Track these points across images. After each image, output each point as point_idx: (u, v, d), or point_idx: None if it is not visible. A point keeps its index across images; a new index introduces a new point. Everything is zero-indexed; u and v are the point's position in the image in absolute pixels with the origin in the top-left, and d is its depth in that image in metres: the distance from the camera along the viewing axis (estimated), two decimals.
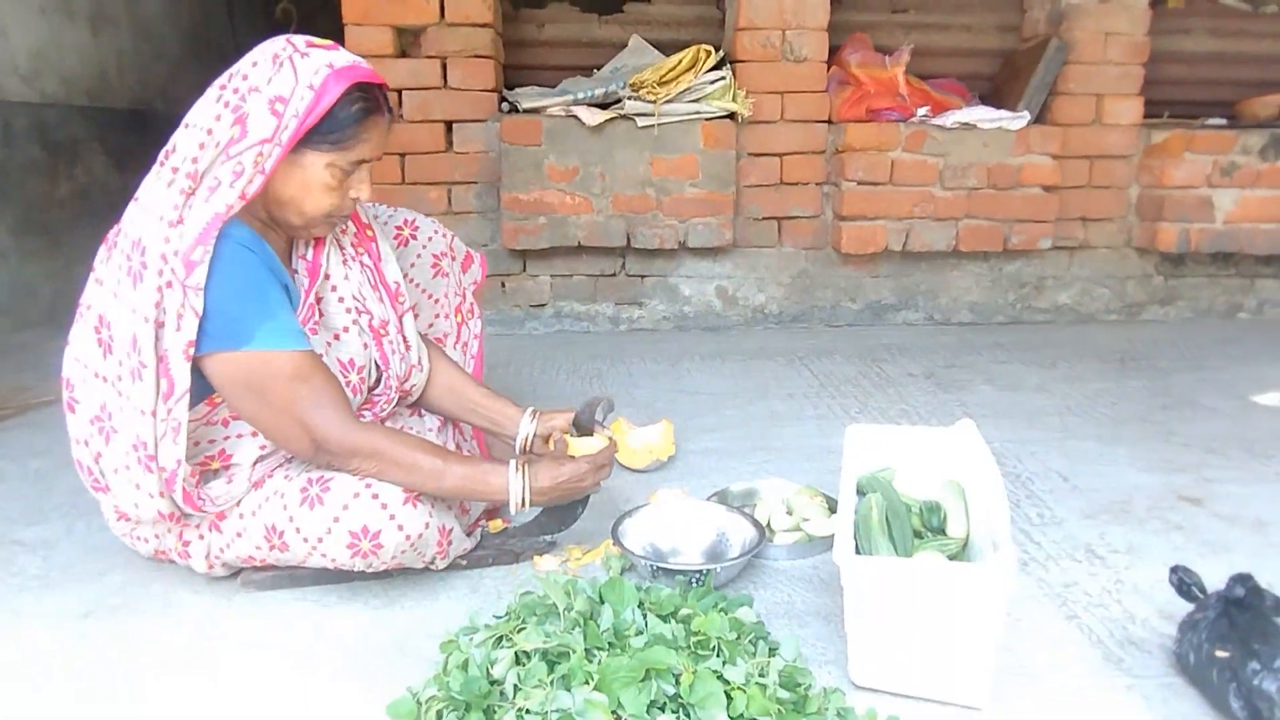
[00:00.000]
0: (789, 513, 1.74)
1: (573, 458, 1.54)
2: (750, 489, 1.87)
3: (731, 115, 3.32)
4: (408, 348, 1.62)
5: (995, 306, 3.71)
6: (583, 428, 1.71)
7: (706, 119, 3.28)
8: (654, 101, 3.21)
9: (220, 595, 1.50)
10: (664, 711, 1.08)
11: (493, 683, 1.12)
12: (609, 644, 1.19)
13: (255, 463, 1.44)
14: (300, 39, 1.35)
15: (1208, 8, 3.94)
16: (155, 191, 1.32)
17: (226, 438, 1.43)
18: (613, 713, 1.06)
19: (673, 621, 1.24)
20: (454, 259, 1.86)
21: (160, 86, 4.54)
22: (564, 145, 3.25)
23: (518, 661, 1.15)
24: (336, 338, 1.51)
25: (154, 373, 1.29)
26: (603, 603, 1.28)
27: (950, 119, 3.39)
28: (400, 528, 1.36)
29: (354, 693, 1.23)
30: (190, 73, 4.68)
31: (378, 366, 1.58)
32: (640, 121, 3.24)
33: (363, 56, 1.39)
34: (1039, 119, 3.51)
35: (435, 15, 3.21)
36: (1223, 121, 3.66)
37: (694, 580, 1.44)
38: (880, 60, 3.49)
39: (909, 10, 3.80)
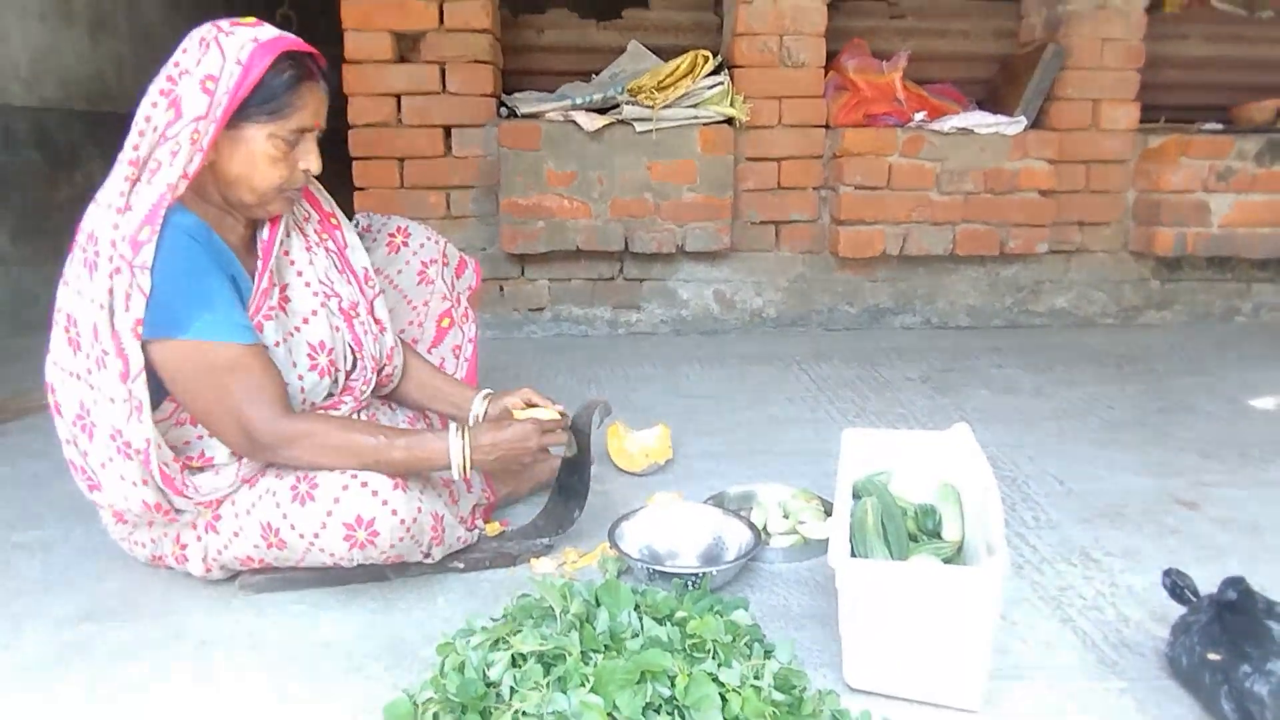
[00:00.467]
0: (785, 516, 1.75)
1: (515, 420, 1.53)
2: (747, 492, 1.88)
3: (729, 120, 3.33)
4: (381, 329, 1.62)
5: (992, 310, 3.72)
6: (580, 432, 1.71)
7: (704, 124, 3.29)
8: (652, 106, 3.22)
9: (218, 598, 1.50)
10: (659, 714, 1.08)
11: (489, 685, 1.13)
12: (605, 646, 1.19)
13: (238, 457, 1.43)
14: (225, 21, 1.37)
15: (1204, 13, 3.95)
16: (106, 187, 1.35)
17: (200, 436, 1.44)
18: (608, 715, 1.06)
19: (669, 624, 1.25)
20: (446, 265, 1.87)
21: None
22: (562, 150, 3.26)
23: (514, 664, 1.15)
24: (305, 322, 1.51)
25: (114, 357, 1.30)
26: (599, 605, 1.28)
27: (947, 124, 3.40)
28: (394, 512, 1.36)
29: (351, 695, 1.23)
30: None
31: (352, 350, 1.57)
32: (638, 126, 3.25)
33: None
34: (1036, 124, 3.52)
35: (434, 21, 3.22)
36: (1219, 126, 3.67)
37: (690, 583, 1.44)
38: (878, 66, 3.50)
39: (906, 16, 3.81)
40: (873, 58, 3.53)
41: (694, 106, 3.28)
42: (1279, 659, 1.11)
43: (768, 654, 1.23)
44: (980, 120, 3.42)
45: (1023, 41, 3.75)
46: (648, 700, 1.08)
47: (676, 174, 3.31)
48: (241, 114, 1.34)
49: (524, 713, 1.07)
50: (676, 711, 1.09)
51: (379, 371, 1.64)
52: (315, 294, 1.53)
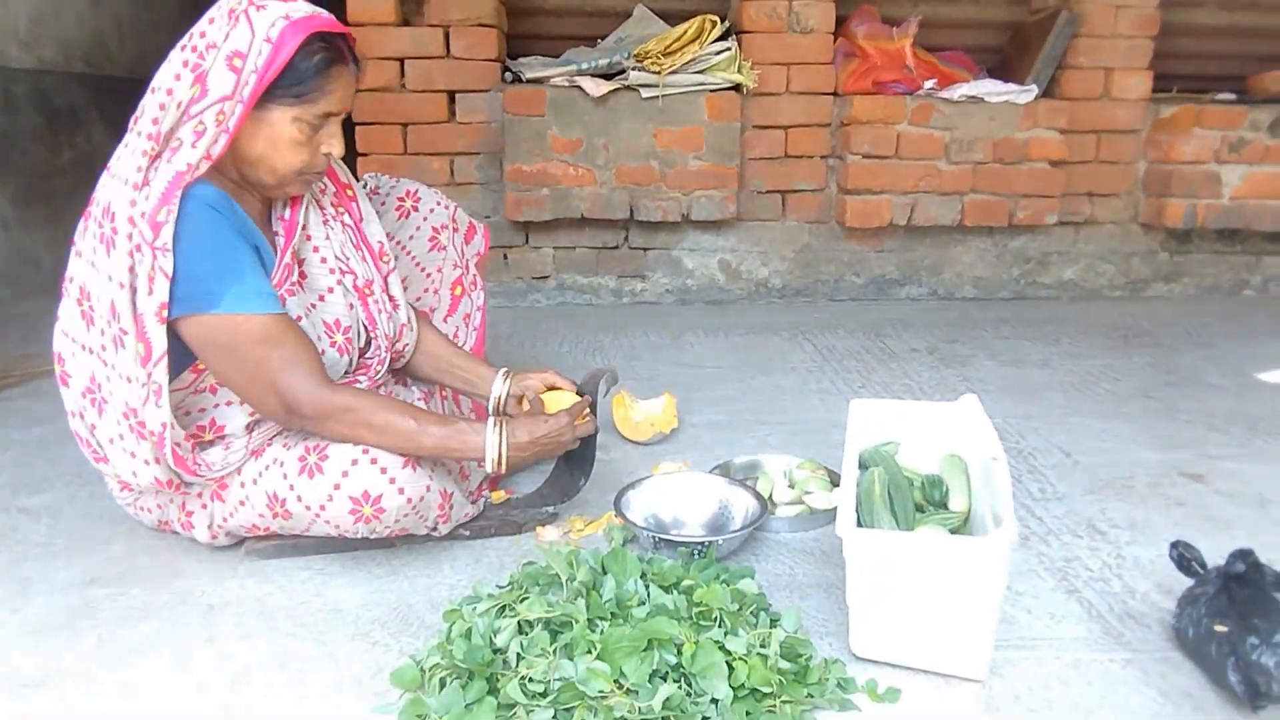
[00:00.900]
0: (791, 486, 1.75)
1: (549, 415, 1.53)
2: (753, 462, 1.87)
3: (736, 87, 3.29)
4: (395, 307, 1.61)
5: (999, 282, 3.70)
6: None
7: (711, 90, 3.25)
8: (658, 72, 3.18)
9: (224, 564, 1.50)
10: (665, 681, 1.08)
11: (496, 651, 1.13)
12: (611, 614, 1.19)
13: (249, 429, 1.43)
14: None
15: None
16: (122, 158, 1.31)
17: (216, 405, 1.43)
18: (615, 682, 1.06)
19: (675, 592, 1.25)
20: (456, 230, 1.85)
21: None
22: (568, 116, 3.22)
23: (521, 631, 1.15)
24: (321, 299, 1.50)
25: (134, 339, 1.29)
26: (605, 573, 1.28)
27: (957, 92, 3.35)
28: (401, 491, 1.36)
29: (358, 661, 1.24)
30: None
31: (366, 328, 1.57)
32: (644, 93, 3.20)
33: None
34: (1047, 93, 3.48)
35: None
36: (1232, 96, 3.62)
37: (696, 552, 1.44)
38: (887, 32, 3.44)
39: None
40: (883, 24, 3.47)
41: (701, 73, 3.24)
42: None
43: (774, 622, 1.23)
44: (990, 88, 3.37)
45: (1035, 8, 3.69)
46: (654, 668, 1.09)
47: (683, 141, 3.28)
48: (267, 95, 1.29)
49: (530, 679, 1.08)
50: (683, 679, 1.10)
51: (391, 348, 1.63)
52: (331, 270, 1.51)
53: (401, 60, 3.21)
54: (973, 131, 3.37)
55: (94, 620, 1.34)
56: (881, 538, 1.25)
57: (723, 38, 3.25)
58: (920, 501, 1.49)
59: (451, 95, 3.29)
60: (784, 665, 1.13)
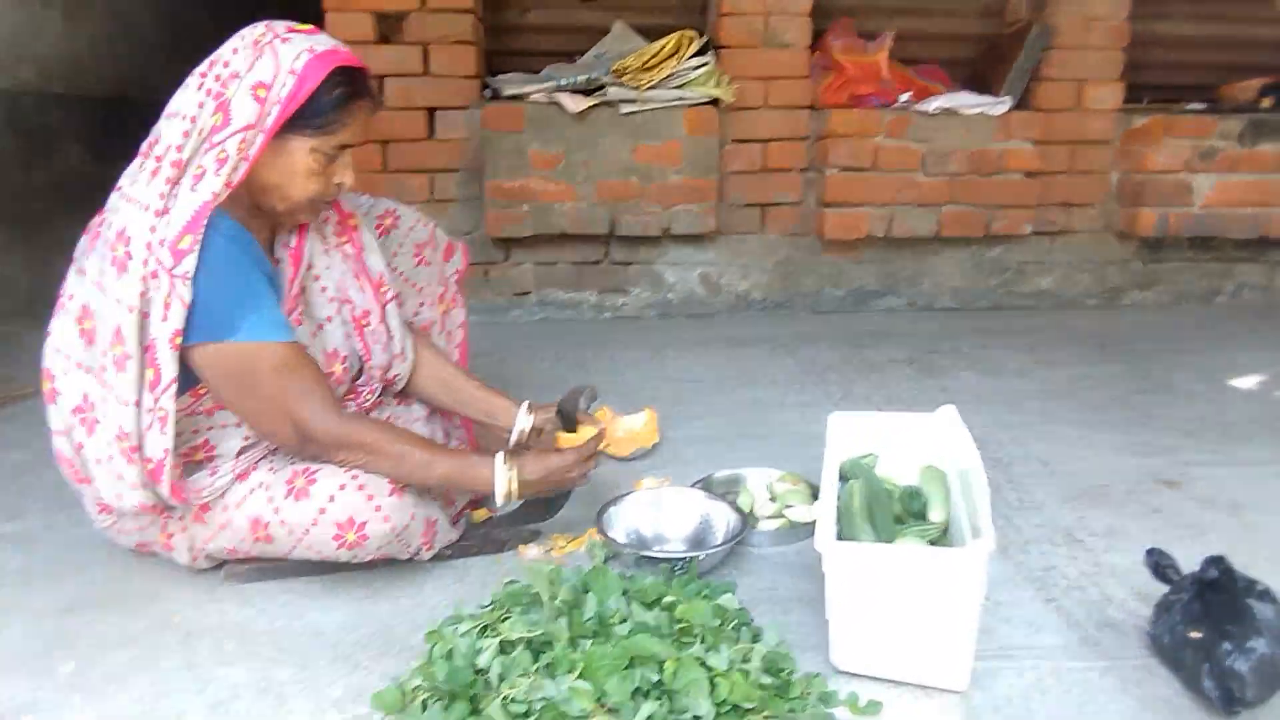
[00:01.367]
0: (772, 499, 1.75)
1: (560, 450, 1.54)
2: (734, 476, 1.88)
3: (715, 101, 3.31)
4: (390, 338, 1.62)
5: (977, 292, 3.73)
6: (566, 416, 1.71)
7: (690, 105, 3.27)
8: (637, 88, 3.20)
9: (203, 588, 1.49)
10: (648, 699, 1.08)
11: (478, 672, 1.13)
12: (593, 632, 1.19)
13: (239, 454, 1.43)
14: (281, 24, 1.34)
15: None
16: (139, 182, 1.31)
17: (210, 428, 1.43)
18: (597, 700, 1.06)
19: (656, 609, 1.25)
20: (435, 248, 1.86)
21: (137, 75, 4.48)
22: (547, 132, 3.24)
23: (503, 651, 1.15)
24: (320, 328, 1.51)
25: (138, 363, 1.28)
26: (587, 591, 1.28)
27: (933, 104, 3.39)
28: (386, 519, 1.37)
29: (339, 684, 1.23)
30: (168, 61, 4.61)
31: (360, 358, 1.57)
32: (623, 108, 3.22)
33: (343, 42, 1.38)
34: (1021, 104, 3.53)
35: (416, 1, 3.18)
36: (1202, 106, 3.68)
37: (678, 568, 1.45)
38: (863, 46, 3.49)
39: None
40: (859, 38, 3.52)
41: (679, 88, 3.26)
42: (1259, 636, 1.12)
43: (755, 637, 1.23)
44: (965, 101, 3.42)
45: (1008, 21, 3.75)
46: (636, 685, 1.09)
47: (662, 156, 3.30)
48: (287, 125, 1.31)
49: (513, 699, 1.07)
50: (665, 696, 1.10)
51: (384, 377, 1.63)
52: (330, 299, 1.52)
53: (381, 78, 3.21)
54: (949, 143, 3.41)
55: (71, 649, 1.33)
56: (860, 551, 1.25)
57: (701, 53, 3.28)
58: (900, 513, 1.50)
59: (431, 112, 3.30)
60: (766, 680, 1.13)
